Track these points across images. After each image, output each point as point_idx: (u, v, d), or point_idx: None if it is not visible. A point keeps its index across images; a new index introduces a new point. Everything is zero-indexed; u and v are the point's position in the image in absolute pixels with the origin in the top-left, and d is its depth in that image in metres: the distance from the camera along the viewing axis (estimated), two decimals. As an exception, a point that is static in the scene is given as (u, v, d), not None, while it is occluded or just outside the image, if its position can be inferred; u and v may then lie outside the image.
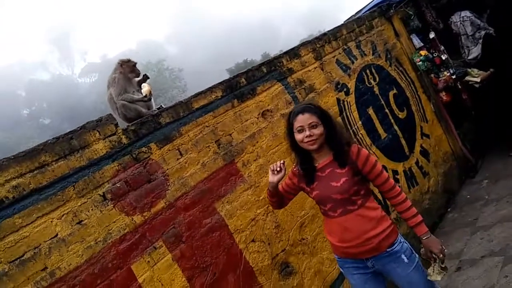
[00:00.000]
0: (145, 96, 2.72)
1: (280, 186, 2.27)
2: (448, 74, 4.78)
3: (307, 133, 1.99)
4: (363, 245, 1.99)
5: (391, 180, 2.09)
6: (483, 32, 4.74)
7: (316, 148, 2.02)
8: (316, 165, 2.09)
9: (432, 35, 4.87)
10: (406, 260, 2.01)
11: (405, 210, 2.04)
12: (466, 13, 4.77)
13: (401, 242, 2.05)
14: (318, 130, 2.00)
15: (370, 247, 1.99)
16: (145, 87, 2.77)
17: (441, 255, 2.00)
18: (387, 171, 3.80)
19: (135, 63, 2.82)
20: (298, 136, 2.03)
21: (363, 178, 2.05)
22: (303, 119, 2.00)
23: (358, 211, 2.00)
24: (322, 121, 2.01)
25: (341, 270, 2.22)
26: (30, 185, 1.99)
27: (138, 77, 2.85)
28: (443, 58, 4.81)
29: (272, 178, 2.16)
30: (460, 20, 4.80)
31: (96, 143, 2.25)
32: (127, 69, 2.76)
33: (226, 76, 3.39)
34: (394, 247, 2.01)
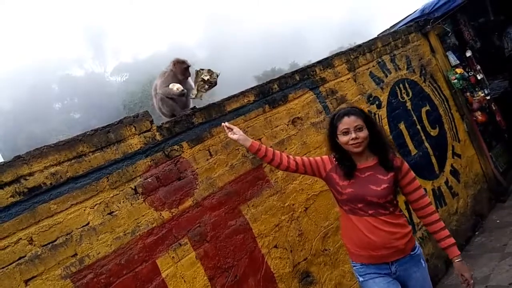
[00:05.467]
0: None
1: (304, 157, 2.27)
2: (483, 94, 4.67)
3: (353, 135, 1.98)
4: (392, 246, 2.00)
5: (427, 199, 2.11)
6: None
7: (360, 151, 2.02)
8: (357, 163, 2.08)
9: (469, 53, 4.77)
10: (423, 264, 2.11)
11: (439, 230, 2.08)
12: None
13: (419, 247, 2.13)
14: (363, 133, 1.99)
15: (397, 249, 2.01)
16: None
17: (472, 281, 2.03)
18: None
19: (188, 66, 2.86)
20: (343, 139, 2.02)
21: (396, 189, 2.09)
22: (349, 122, 2.00)
23: (388, 216, 2.02)
24: (366, 125, 2.02)
25: (360, 280, 2.15)
26: (67, 173, 2.06)
27: (186, 79, 2.89)
28: (479, 77, 4.70)
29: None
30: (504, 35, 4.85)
31: (131, 138, 2.31)
32: (178, 69, 2.82)
33: (254, 83, 3.41)
34: (416, 250, 2.09)
